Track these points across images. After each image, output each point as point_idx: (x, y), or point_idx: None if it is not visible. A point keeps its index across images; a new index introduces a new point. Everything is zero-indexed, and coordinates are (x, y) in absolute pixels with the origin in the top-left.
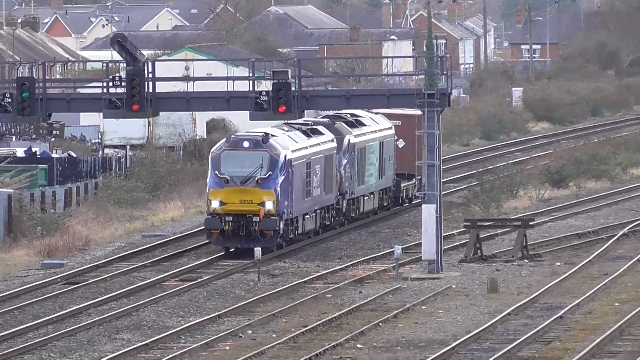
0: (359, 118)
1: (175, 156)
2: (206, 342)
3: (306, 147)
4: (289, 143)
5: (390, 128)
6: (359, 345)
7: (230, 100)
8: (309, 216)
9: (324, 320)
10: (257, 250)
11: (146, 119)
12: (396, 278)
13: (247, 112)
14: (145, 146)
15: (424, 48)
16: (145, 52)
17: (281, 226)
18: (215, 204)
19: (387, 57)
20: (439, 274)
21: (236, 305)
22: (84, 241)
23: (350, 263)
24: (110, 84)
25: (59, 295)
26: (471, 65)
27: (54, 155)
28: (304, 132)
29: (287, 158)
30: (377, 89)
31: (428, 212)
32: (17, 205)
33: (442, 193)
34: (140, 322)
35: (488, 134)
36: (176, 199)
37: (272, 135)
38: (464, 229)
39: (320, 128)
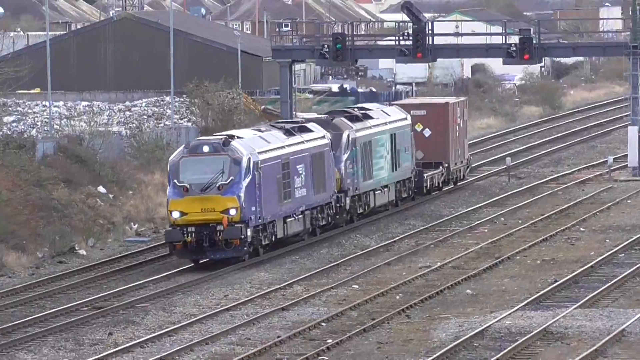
0: (366, 111)
1: (448, 90)
2: (470, 226)
3: (282, 147)
4: (257, 144)
5: (405, 119)
6: (581, 229)
7: (488, 50)
8: (293, 219)
9: (556, 210)
10: (508, 160)
11: (427, 64)
12: (609, 180)
13: (501, 58)
14: (426, 83)
15: (630, 12)
16: (426, 15)
17: (248, 233)
18: (175, 215)
19: (602, 19)
20: None
21: (492, 200)
22: None
23: (576, 169)
24: (401, 38)
25: None
26: None
27: (359, 90)
28: (287, 131)
29: (252, 161)
30: (595, 42)
31: (632, 131)
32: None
33: None
34: (422, 212)
35: None
36: None
37: (237, 137)
38: None
39: (311, 125)
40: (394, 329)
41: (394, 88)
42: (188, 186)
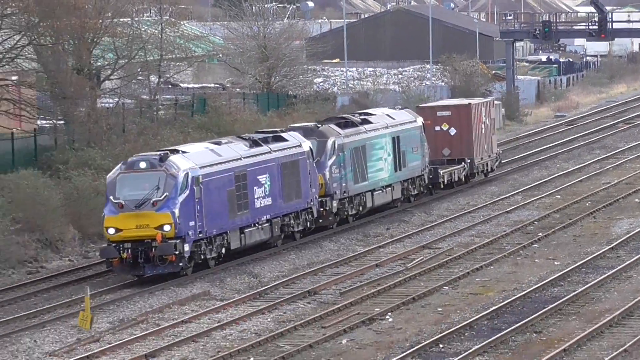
0: (366, 117)
1: (622, 61)
2: (638, 155)
3: (237, 160)
4: (202, 159)
5: (414, 121)
6: None
7: None
8: (254, 228)
9: None
10: None
11: (607, 42)
12: None
13: None
14: (606, 56)
15: None
16: (607, 7)
17: (186, 249)
18: (111, 232)
19: None
20: None
21: None
22: (575, 104)
23: None
24: (590, 24)
25: (563, 131)
26: None
27: (561, 60)
28: (254, 142)
29: (190, 176)
30: None
31: None
32: (541, 86)
33: None
34: (604, 145)
35: None
36: (622, 83)
37: (182, 152)
38: None
39: (287, 135)
40: (584, 226)
41: (584, 59)
42: (123, 203)
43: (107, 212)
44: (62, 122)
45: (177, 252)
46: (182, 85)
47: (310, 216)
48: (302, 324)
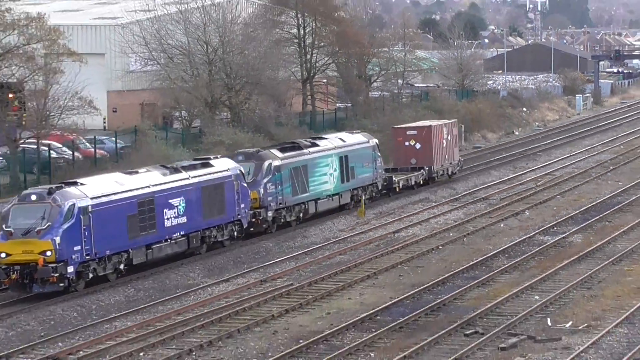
0: (315, 140)
1: None
2: None
3: (144, 187)
4: (97, 190)
5: (367, 142)
6: None
7: None
8: (163, 244)
9: None
10: None
11: None
12: None
13: None
14: None
15: None
16: None
17: (69, 270)
18: (2, 256)
19: None
20: None
21: None
22: (632, 96)
23: None
24: None
25: (625, 110)
26: None
27: (625, 71)
28: (174, 170)
29: (76, 206)
30: None
31: None
32: (613, 86)
33: None
34: None
35: None
36: None
37: (80, 184)
38: None
39: (216, 161)
40: (638, 162)
41: (639, 70)
42: (12, 231)
43: (0, 239)
44: (349, 105)
45: (57, 274)
46: (415, 84)
47: (237, 227)
48: (479, 216)
